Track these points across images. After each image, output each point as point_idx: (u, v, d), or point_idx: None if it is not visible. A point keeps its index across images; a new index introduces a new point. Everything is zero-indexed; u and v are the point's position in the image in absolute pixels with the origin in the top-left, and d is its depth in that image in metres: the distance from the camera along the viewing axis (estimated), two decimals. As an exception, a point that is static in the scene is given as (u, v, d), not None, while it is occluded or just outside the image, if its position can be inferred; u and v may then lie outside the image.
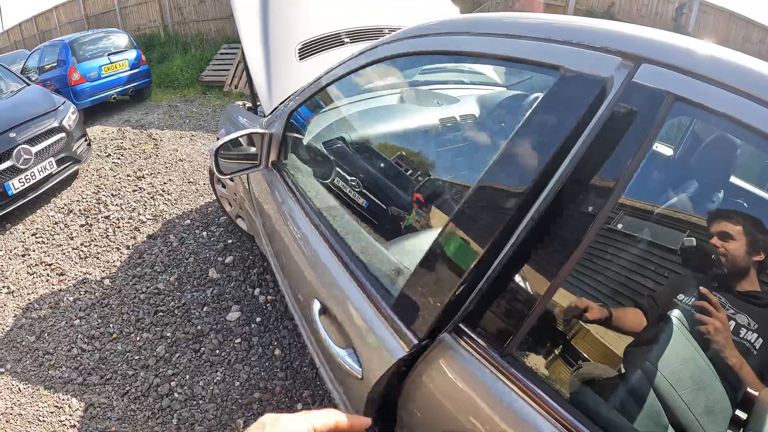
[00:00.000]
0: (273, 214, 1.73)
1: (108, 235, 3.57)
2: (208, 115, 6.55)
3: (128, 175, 4.51)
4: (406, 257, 1.05)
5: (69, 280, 3.18)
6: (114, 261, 3.31)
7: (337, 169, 1.47)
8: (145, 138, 5.47)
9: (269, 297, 2.79)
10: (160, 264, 3.23)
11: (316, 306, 1.16)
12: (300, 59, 2.11)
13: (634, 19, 5.67)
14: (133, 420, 2.17)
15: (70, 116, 4.29)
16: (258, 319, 2.64)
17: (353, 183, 1.38)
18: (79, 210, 3.93)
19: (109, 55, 6.94)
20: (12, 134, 3.80)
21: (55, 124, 4.09)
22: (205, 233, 3.56)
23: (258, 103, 2.53)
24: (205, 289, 2.93)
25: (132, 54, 7.22)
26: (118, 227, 3.66)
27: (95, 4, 11.64)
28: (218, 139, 1.76)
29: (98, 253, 3.39)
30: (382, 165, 1.41)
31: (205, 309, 2.75)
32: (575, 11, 5.80)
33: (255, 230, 2.46)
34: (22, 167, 3.78)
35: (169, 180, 4.41)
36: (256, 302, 2.77)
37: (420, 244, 1.02)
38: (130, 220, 3.75)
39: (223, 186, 3.14)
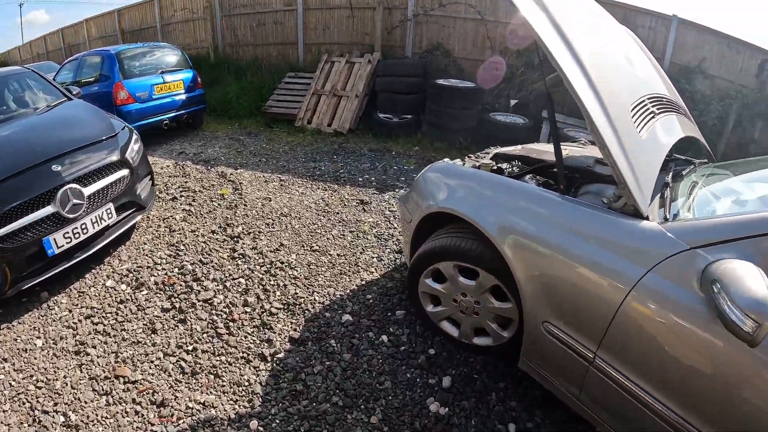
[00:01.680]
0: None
1: (220, 334, 2.61)
2: (286, 153, 5.89)
3: (214, 232, 3.66)
4: None
5: (179, 418, 2.17)
6: (250, 383, 2.33)
7: None
8: (215, 178, 4.71)
9: None
10: (337, 392, 2.31)
11: None
12: (638, 131, 2.11)
13: (721, 73, 6.98)
14: None
15: (132, 146, 3.50)
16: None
17: None
18: (156, 284, 3.00)
19: (162, 73, 6.62)
20: (55, 167, 2.97)
21: (115, 157, 3.28)
22: (385, 337, 2.71)
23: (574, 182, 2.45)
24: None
25: (188, 74, 6.93)
26: (233, 320, 2.71)
27: (132, 19, 11.74)
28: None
29: (215, 367, 2.41)
30: None
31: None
32: (671, 65, 6.96)
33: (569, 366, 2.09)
34: (70, 216, 2.91)
35: (281, 245, 3.55)
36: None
37: None
38: (248, 309, 2.82)
39: (439, 280, 2.58)
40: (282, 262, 3.33)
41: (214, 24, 9.26)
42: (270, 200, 4.32)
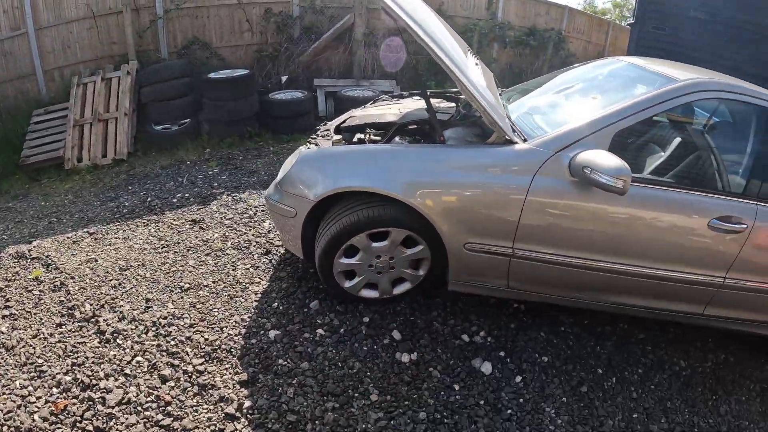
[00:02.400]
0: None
1: (168, 425, 2.17)
2: (74, 203, 4.77)
3: (60, 325, 2.90)
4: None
5: None
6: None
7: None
8: (12, 263, 3.60)
9: (487, 335, 2.72)
10: (326, 397, 2.30)
11: None
12: (480, 79, 2.56)
13: (458, 12, 8.20)
14: None
15: None
16: (502, 354, 2.67)
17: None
18: (45, 420, 2.26)
19: None
20: None
21: None
22: (320, 330, 2.74)
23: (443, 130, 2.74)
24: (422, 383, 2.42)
25: None
26: (167, 403, 2.31)
27: None
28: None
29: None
30: None
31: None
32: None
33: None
34: None
35: (149, 301, 3.04)
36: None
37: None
38: (172, 383, 2.41)
39: (351, 255, 2.68)
40: (164, 317, 2.88)
41: (-76, 74, 6.32)
42: (96, 260, 3.59)
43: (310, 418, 2.19)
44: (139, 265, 3.48)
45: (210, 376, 2.45)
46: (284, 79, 6.36)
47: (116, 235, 3.99)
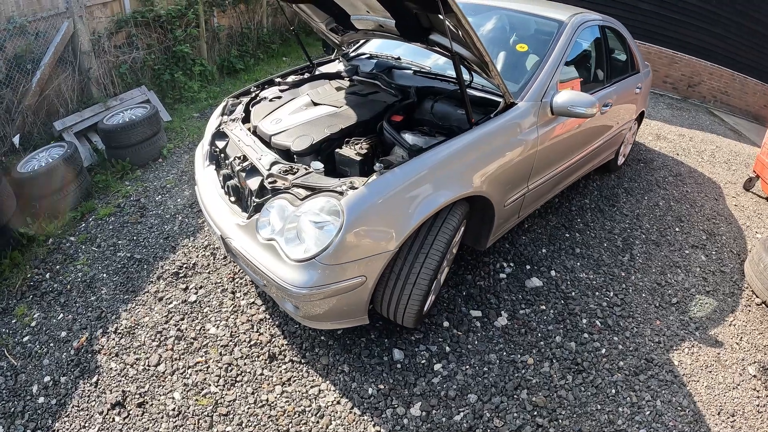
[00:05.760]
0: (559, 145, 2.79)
1: None
2: None
3: None
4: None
5: None
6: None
7: None
8: None
9: (508, 264, 2.91)
10: (524, 406, 2.17)
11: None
12: None
13: None
14: None
15: None
16: (528, 267, 2.99)
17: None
18: None
19: None
20: None
21: None
22: (438, 367, 2.41)
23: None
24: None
25: None
26: None
27: None
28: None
29: None
30: None
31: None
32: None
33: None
34: None
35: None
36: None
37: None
38: None
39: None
40: None
41: None
42: None
43: (531, 418, 2.11)
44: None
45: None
46: (17, 140, 3.51)
47: None
